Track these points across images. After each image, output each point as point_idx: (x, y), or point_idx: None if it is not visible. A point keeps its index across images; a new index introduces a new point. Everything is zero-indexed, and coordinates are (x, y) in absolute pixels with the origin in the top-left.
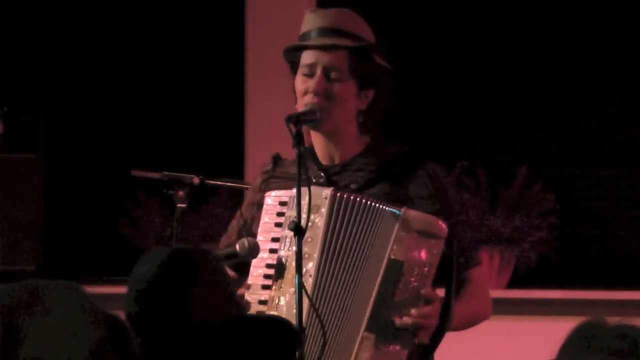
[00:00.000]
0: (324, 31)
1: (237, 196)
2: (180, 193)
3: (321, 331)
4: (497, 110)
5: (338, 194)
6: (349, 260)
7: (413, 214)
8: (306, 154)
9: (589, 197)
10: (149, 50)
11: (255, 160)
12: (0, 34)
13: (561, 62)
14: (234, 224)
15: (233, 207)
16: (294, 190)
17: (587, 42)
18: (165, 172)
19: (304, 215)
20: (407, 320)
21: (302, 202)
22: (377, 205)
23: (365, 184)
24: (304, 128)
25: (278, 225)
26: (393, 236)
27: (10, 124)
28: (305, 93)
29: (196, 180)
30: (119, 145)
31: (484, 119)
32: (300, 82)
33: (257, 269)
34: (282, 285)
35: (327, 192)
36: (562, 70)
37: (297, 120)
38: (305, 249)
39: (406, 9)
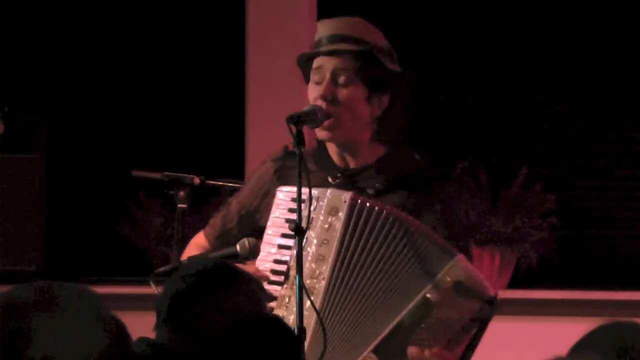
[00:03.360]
0: (332, 38)
1: None
2: (181, 193)
3: (327, 334)
4: (498, 110)
5: (359, 200)
6: (371, 273)
7: (465, 265)
8: (321, 152)
9: (589, 197)
10: (149, 50)
11: (255, 161)
12: (1, 34)
13: (561, 63)
14: (234, 209)
15: None
16: (306, 190)
17: (587, 42)
18: (165, 173)
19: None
20: (416, 354)
21: (316, 202)
22: (428, 240)
23: (382, 190)
24: (306, 130)
25: (288, 221)
26: (438, 276)
27: (11, 125)
28: (316, 99)
29: (197, 180)
30: (119, 146)
31: (484, 119)
32: (311, 90)
33: (265, 263)
34: (294, 284)
35: (346, 196)
36: (562, 71)
37: (297, 120)
38: (320, 251)
39: (406, 9)
